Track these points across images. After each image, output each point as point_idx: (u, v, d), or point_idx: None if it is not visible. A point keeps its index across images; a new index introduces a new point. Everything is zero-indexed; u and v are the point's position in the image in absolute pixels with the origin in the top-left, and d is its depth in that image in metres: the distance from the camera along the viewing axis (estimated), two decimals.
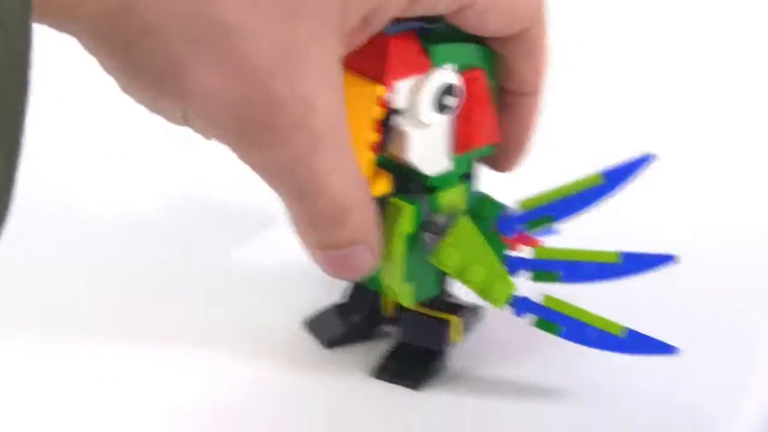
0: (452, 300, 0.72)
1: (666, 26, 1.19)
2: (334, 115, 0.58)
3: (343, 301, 0.74)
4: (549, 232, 0.76)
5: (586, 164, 0.68)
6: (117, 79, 0.55)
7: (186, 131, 0.58)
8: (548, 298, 0.66)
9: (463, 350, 0.72)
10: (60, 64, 0.90)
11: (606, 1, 1.21)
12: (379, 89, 0.62)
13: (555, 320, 0.66)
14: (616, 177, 0.66)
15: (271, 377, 0.70)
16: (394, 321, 0.73)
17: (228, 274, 0.80)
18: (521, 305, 0.66)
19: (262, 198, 0.85)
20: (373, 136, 0.63)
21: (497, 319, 0.73)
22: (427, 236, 0.66)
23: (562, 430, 0.66)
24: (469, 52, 0.65)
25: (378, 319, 0.73)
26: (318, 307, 0.75)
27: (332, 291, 0.75)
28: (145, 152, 0.96)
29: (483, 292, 0.65)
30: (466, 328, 0.72)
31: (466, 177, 0.68)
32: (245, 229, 0.85)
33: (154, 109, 0.56)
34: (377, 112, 0.62)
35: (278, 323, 0.74)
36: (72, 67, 0.85)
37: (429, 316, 0.70)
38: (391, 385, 0.69)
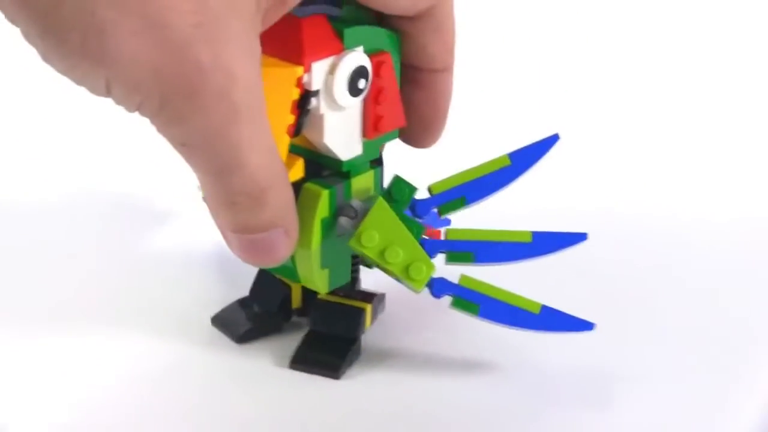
0: (361, 289, 0.72)
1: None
2: (253, 88, 0.57)
3: (251, 294, 0.73)
4: (442, 223, 0.77)
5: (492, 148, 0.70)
6: (39, 47, 0.54)
7: (104, 121, 0.57)
8: (464, 277, 0.67)
9: (370, 335, 0.72)
10: None
11: None
12: (299, 70, 0.62)
13: (472, 299, 0.67)
14: (523, 158, 0.67)
15: (185, 373, 0.69)
16: (301, 312, 0.73)
17: (138, 268, 0.79)
18: (438, 286, 0.67)
19: (173, 193, 0.85)
20: (290, 119, 0.63)
21: (398, 304, 0.74)
22: (344, 221, 0.66)
23: (483, 406, 0.67)
24: (378, 35, 0.66)
25: (287, 311, 0.73)
26: (227, 300, 0.74)
27: (241, 284, 0.74)
28: (57, 143, 0.95)
29: (404, 274, 0.66)
30: (376, 316, 0.72)
31: (375, 162, 0.69)
32: (154, 223, 0.84)
33: (76, 78, 0.55)
34: (295, 94, 0.63)
35: (188, 318, 0.73)
36: None
37: (344, 305, 0.70)
38: (309, 374, 0.69)
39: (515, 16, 1.18)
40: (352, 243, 0.66)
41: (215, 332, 0.72)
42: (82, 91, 0.56)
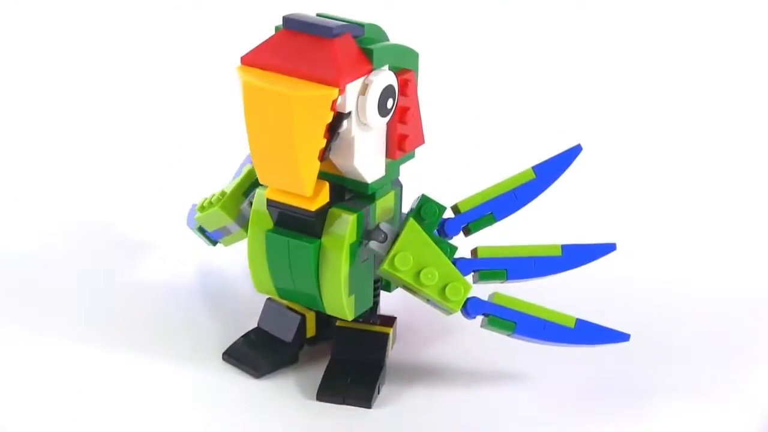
0: (378, 313, 0.71)
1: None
2: None
3: (261, 325, 0.71)
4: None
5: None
6: None
7: None
8: (498, 295, 0.66)
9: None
10: None
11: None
12: (335, 92, 0.60)
13: (508, 317, 0.66)
14: (547, 170, 0.66)
15: (208, 408, 0.66)
16: (313, 341, 0.71)
17: (146, 298, 0.76)
18: (473, 306, 0.65)
19: (172, 222, 0.83)
20: (323, 143, 0.61)
21: (405, 327, 0.73)
22: (375, 245, 0.65)
23: (521, 420, 0.66)
24: (401, 52, 0.64)
25: (302, 340, 0.70)
26: (235, 331, 0.72)
27: (247, 315, 0.73)
28: (72, 163, 0.93)
29: (440, 295, 0.64)
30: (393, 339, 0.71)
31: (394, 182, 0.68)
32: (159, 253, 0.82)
33: None
34: (329, 117, 0.60)
35: (198, 351, 0.71)
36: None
37: (367, 331, 0.68)
38: (337, 405, 0.67)
39: (534, 31, 1.16)
40: (386, 267, 0.64)
41: (226, 366, 0.70)
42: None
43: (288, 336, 0.70)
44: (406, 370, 0.70)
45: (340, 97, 0.61)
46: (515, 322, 0.66)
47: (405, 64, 0.65)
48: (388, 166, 0.66)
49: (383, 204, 0.66)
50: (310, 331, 0.70)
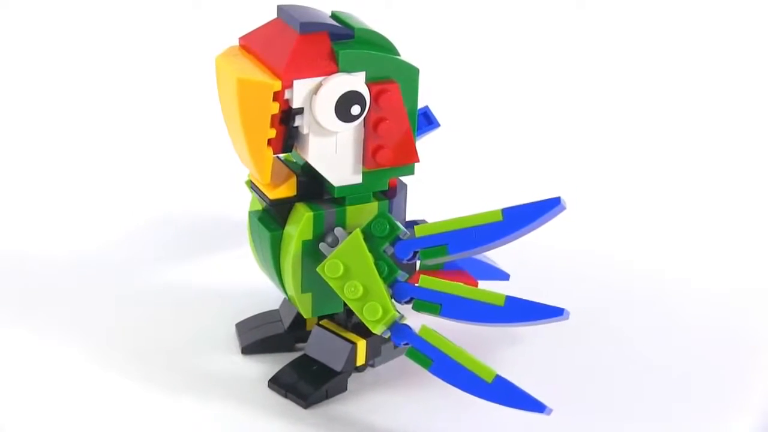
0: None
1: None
2: None
3: (275, 309, 0.73)
4: (500, 276, 0.73)
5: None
6: None
7: None
8: (424, 329, 0.63)
9: (373, 375, 0.69)
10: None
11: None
12: (276, 84, 0.61)
13: (427, 353, 0.63)
14: (516, 216, 0.62)
15: (170, 375, 0.70)
16: None
17: (186, 280, 0.79)
18: (398, 333, 0.63)
19: (216, 208, 0.87)
20: (271, 133, 0.63)
21: None
22: (323, 247, 0.65)
23: None
24: (386, 63, 0.63)
25: (301, 332, 0.71)
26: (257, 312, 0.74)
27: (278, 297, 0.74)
28: (76, 164, 0.94)
29: (360, 312, 0.63)
30: (378, 353, 0.69)
31: (385, 195, 0.67)
32: (208, 237, 0.85)
33: None
34: (274, 108, 0.62)
35: (212, 325, 0.74)
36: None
37: (335, 335, 0.68)
38: (282, 398, 0.68)
39: (537, 32, 1.12)
40: (318, 270, 0.64)
41: (232, 341, 0.73)
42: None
43: (285, 324, 0.71)
44: (380, 393, 0.68)
45: (287, 91, 0.62)
46: (432, 360, 0.62)
47: (389, 76, 0.63)
48: (368, 176, 0.65)
49: (358, 212, 0.66)
50: (310, 325, 0.71)
